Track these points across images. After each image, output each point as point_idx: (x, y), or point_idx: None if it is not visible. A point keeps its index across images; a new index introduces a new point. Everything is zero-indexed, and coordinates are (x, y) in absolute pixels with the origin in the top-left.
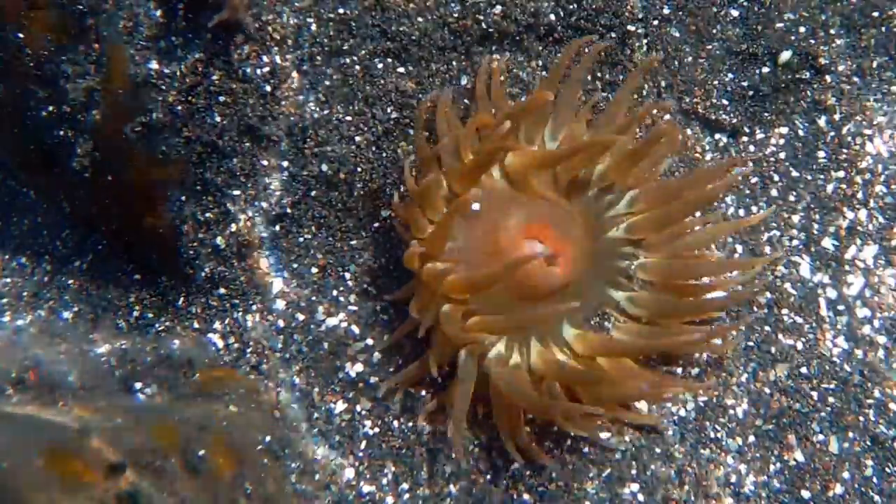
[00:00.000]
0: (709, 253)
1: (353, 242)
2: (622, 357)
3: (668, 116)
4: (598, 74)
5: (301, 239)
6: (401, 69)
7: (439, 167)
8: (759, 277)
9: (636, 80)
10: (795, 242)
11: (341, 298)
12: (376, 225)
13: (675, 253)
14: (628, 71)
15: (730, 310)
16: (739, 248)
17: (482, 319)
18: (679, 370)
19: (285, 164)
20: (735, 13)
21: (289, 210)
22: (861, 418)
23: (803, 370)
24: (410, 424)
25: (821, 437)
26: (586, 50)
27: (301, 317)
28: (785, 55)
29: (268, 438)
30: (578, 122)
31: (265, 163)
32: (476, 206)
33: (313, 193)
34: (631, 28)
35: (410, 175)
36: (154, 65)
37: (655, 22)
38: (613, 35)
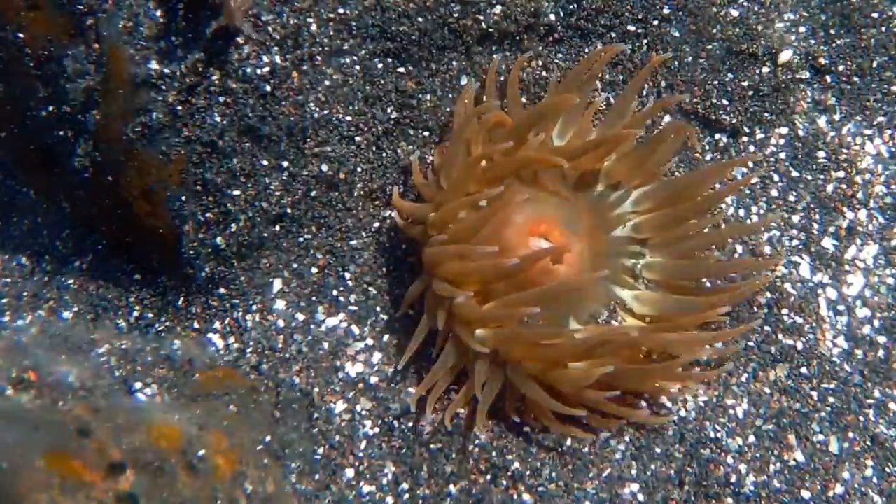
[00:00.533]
0: (714, 254)
1: (353, 242)
2: (626, 348)
3: (668, 117)
4: (599, 74)
5: (301, 239)
6: (401, 69)
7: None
8: (761, 276)
9: (643, 79)
10: (795, 242)
11: (341, 298)
12: (376, 225)
13: (681, 253)
14: (628, 71)
15: (732, 312)
16: (739, 248)
17: (500, 301)
18: (679, 370)
19: (285, 164)
20: (735, 13)
21: (289, 210)
22: (861, 418)
23: (803, 370)
24: (410, 424)
25: (821, 437)
26: (597, 60)
27: (301, 317)
28: (785, 55)
29: (268, 438)
30: (585, 121)
31: (265, 163)
32: (483, 202)
33: (313, 193)
34: (631, 28)
35: (419, 170)
36: (154, 65)
37: (655, 22)
38: (613, 35)
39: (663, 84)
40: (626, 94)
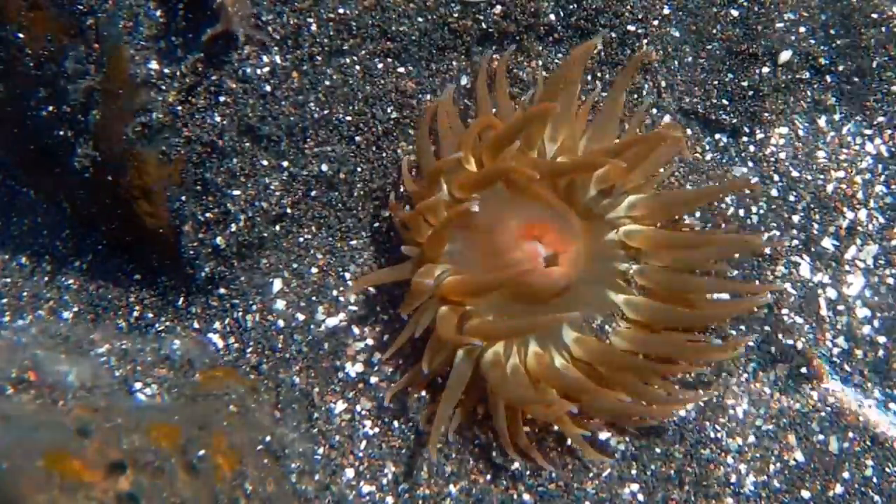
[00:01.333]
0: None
1: (353, 242)
2: (620, 368)
3: (667, 117)
4: (598, 74)
5: (301, 239)
6: (401, 69)
7: (441, 179)
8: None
9: (630, 76)
10: (795, 242)
11: (341, 298)
12: (376, 225)
13: (673, 264)
14: None
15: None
16: None
17: (480, 325)
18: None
19: (285, 164)
20: (735, 13)
21: (289, 210)
22: (861, 418)
23: (803, 370)
24: (410, 424)
25: (821, 437)
26: (581, 52)
27: (301, 317)
28: (785, 55)
29: (268, 438)
30: (577, 123)
31: (265, 163)
32: (475, 207)
33: (313, 193)
34: (631, 28)
35: (409, 174)
36: (154, 65)
37: (655, 22)
38: (613, 35)
39: (663, 84)
40: (612, 97)
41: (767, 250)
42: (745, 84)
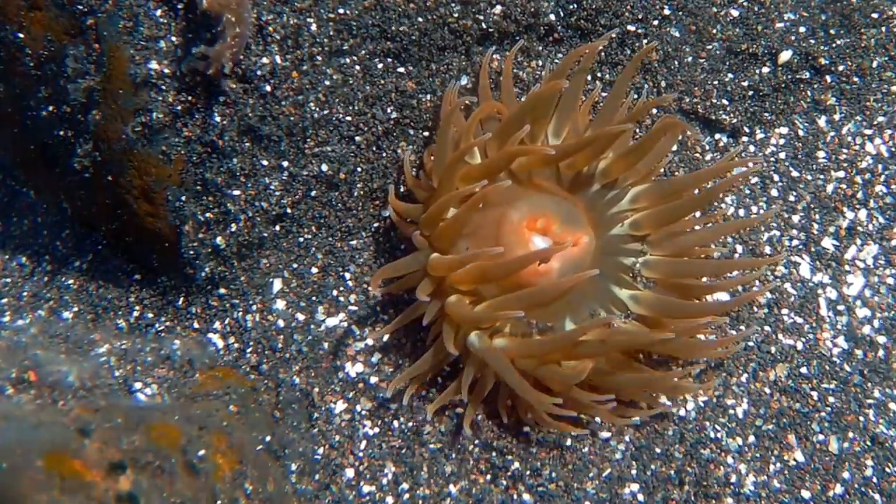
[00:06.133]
0: (712, 251)
1: (353, 242)
2: (621, 350)
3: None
4: (598, 74)
5: (301, 239)
6: (401, 69)
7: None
8: (763, 280)
9: (633, 70)
10: (795, 242)
11: (341, 298)
12: (376, 225)
13: (679, 251)
14: None
15: (732, 312)
16: (739, 248)
17: (491, 302)
18: (679, 368)
19: (285, 164)
20: (735, 13)
21: (289, 210)
22: (861, 418)
23: (803, 370)
24: (410, 424)
25: (821, 437)
26: (586, 51)
27: (301, 317)
28: (785, 55)
29: (268, 438)
30: (580, 118)
31: (265, 163)
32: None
33: (313, 193)
34: (631, 28)
35: (410, 171)
36: (154, 65)
37: (655, 22)
38: (613, 35)
39: (663, 84)
40: (616, 90)
41: (768, 249)
42: (745, 84)
